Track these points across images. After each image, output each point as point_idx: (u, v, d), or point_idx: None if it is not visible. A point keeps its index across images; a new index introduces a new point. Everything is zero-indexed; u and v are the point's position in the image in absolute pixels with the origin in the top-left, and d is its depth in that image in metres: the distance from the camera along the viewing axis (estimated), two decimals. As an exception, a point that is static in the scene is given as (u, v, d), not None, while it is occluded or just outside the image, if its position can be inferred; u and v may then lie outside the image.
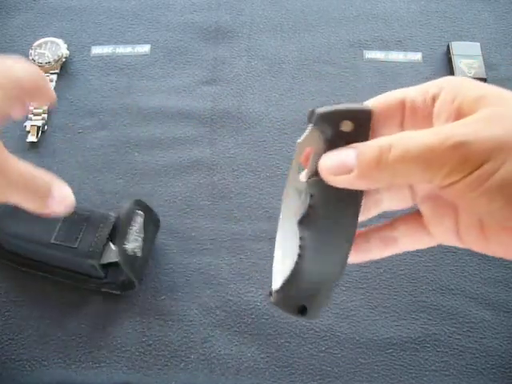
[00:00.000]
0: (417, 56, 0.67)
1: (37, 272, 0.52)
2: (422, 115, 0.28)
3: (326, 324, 0.50)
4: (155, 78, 0.66)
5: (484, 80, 0.63)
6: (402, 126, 0.29)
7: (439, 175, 0.24)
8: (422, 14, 0.70)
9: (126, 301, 0.51)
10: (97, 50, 0.68)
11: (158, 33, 0.69)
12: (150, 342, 0.50)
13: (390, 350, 0.49)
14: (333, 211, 0.28)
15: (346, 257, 0.29)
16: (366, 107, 0.27)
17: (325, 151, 0.27)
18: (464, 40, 0.67)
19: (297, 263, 0.28)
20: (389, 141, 0.25)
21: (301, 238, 0.28)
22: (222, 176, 0.59)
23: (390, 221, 0.31)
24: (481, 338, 0.49)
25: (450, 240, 0.29)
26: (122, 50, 0.68)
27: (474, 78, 0.63)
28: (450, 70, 0.65)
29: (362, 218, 0.29)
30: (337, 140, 0.27)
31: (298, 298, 0.29)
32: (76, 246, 0.50)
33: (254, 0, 0.72)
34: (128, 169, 0.59)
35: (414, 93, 0.28)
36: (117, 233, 0.49)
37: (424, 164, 0.24)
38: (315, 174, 0.27)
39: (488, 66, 0.65)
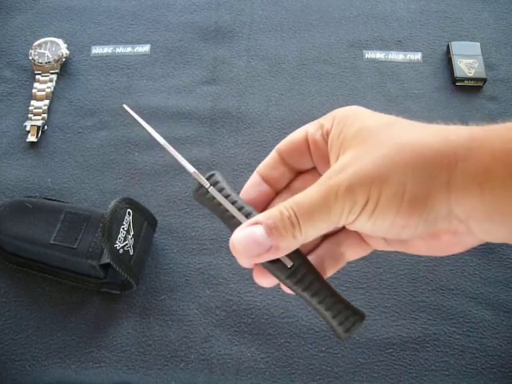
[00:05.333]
0: (417, 56, 0.67)
1: (37, 272, 0.52)
2: (323, 149, 0.31)
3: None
4: (155, 78, 0.66)
5: (484, 80, 0.64)
6: (312, 160, 0.33)
7: (342, 219, 0.28)
8: (422, 13, 0.70)
9: (125, 301, 0.51)
10: (97, 50, 0.68)
11: (158, 33, 0.69)
12: (150, 342, 0.50)
13: (390, 350, 0.49)
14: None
15: None
16: None
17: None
18: (464, 40, 0.67)
19: None
20: (290, 208, 0.28)
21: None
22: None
23: (333, 238, 0.33)
24: (481, 337, 0.49)
25: (382, 246, 0.32)
26: (122, 49, 0.68)
27: (474, 78, 0.63)
28: (449, 69, 0.65)
29: (331, 272, 0.32)
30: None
31: None
32: (75, 246, 0.50)
33: (254, 0, 0.72)
34: (128, 169, 0.59)
35: (312, 129, 0.32)
36: (105, 232, 0.48)
37: (325, 214, 0.28)
38: None
39: (488, 65, 0.65)
